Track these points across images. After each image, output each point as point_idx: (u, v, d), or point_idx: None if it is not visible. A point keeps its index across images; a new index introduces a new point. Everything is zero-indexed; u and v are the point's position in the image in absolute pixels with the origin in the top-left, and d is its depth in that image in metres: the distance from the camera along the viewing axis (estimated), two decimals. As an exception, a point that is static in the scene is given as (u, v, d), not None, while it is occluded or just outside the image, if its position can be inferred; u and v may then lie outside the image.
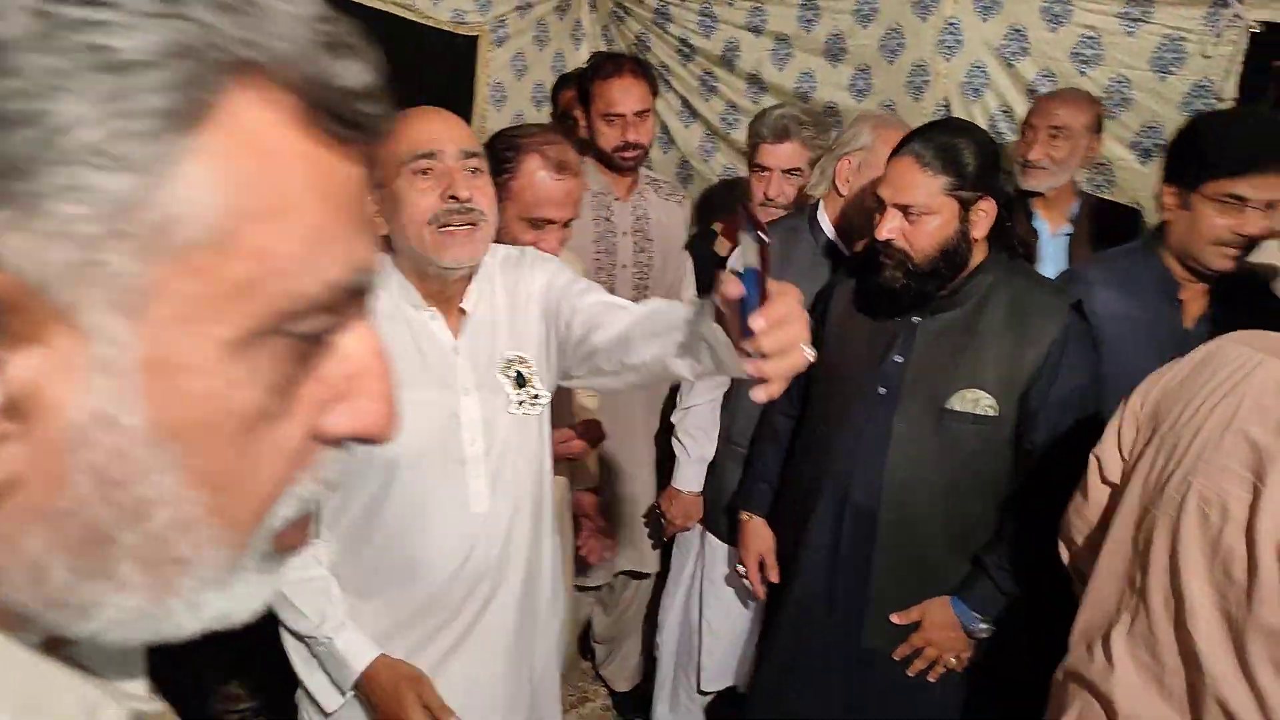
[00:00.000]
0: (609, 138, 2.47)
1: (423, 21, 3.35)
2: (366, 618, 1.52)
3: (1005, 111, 3.02)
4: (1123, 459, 1.39)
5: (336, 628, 1.48)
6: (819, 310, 2.02)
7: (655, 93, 2.55)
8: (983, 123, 3.07)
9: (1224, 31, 2.58)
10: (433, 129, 1.40)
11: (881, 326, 1.87)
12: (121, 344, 0.35)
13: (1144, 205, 2.76)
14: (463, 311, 1.50)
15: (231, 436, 0.38)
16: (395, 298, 1.48)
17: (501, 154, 1.86)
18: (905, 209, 1.74)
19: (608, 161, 2.51)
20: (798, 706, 1.95)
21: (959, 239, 1.76)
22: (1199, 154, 1.80)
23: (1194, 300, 1.88)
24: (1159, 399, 1.33)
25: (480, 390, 1.50)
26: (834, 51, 3.31)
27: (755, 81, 3.51)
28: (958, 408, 1.76)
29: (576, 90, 2.62)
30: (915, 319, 1.83)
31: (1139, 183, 2.79)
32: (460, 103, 3.53)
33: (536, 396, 1.56)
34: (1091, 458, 1.45)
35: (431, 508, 1.48)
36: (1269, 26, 2.53)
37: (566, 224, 1.96)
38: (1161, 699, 1.20)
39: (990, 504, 1.82)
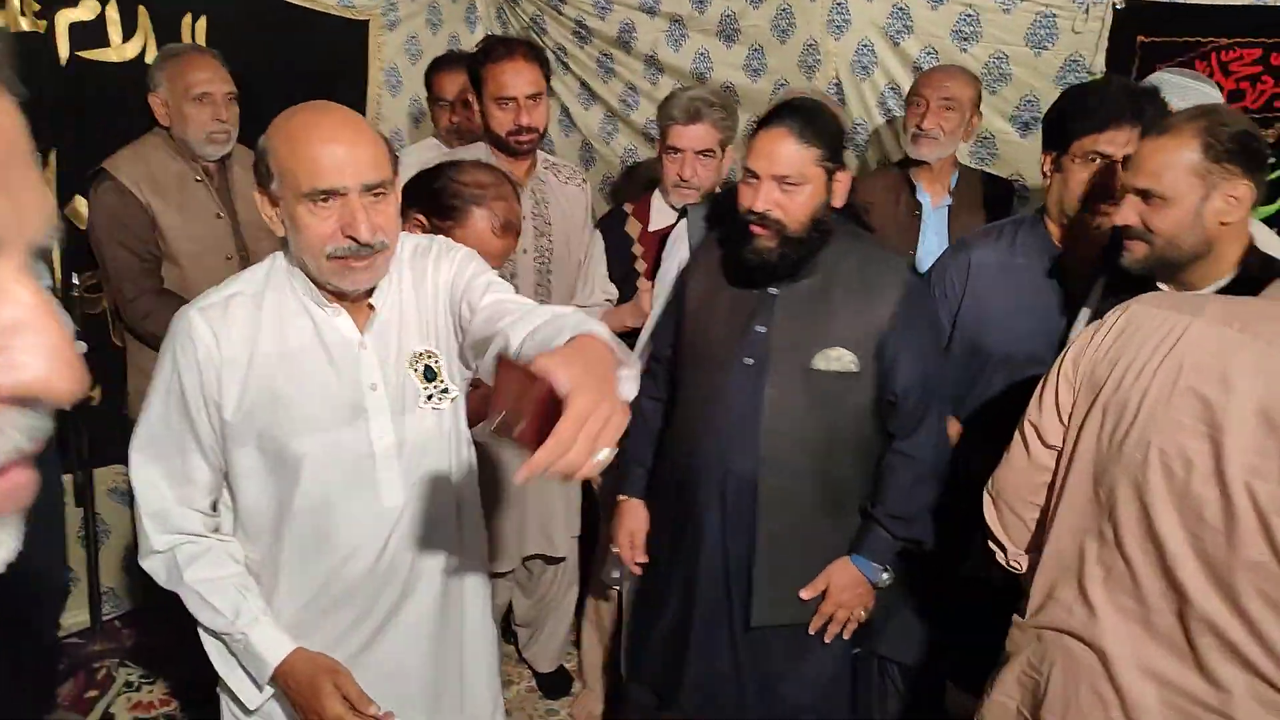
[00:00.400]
0: (501, 122, 2.43)
1: (311, 6, 3.27)
2: (284, 612, 1.52)
3: (893, 88, 3.12)
4: (1062, 424, 1.48)
5: (250, 623, 1.47)
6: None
7: (549, 75, 2.53)
8: (872, 99, 3.17)
9: (1091, 9, 2.71)
10: (336, 161, 1.34)
11: (741, 299, 1.93)
12: None
13: (1024, 176, 2.89)
14: (371, 308, 1.49)
15: None
16: (299, 294, 1.47)
17: (449, 202, 1.83)
18: (781, 179, 1.79)
19: (502, 146, 2.47)
20: (683, 685, 2.00)
21: (824, 208, 1.84)
22: (1065, 119, 1.94)
23: (1075, 265, 1.98)
24: (1092, 365, 1.43)
25: (388, 385, 1.49)
26: (728, 32, 3.35)
27: (652, 63, 3.53)
28: (822, 367, 1.85)
29: (467, 74, 2.59)
30: (773, 290, 1.89)
31: (1019, 155, 2.92)
32: (353, 89, 3.46)
33: (445, 390, 1.55)
34: (1027, 424, 1.53)
35: (341, 502, 1.48)
36: (1131, 4, 2.67)
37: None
38: (1149, 637, 1.32)
39: (861, 460, 1.93)
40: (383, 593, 1.55)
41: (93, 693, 2.77)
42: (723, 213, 2.11)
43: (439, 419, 1.55)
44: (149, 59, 2.72)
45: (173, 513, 1.48)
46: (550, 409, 0.93)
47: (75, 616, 2.89)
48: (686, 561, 1.98)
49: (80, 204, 2.65)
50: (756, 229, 1.81)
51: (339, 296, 1.46)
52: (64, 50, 2.64)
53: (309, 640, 1.50)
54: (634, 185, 3.44)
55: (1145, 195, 1.63)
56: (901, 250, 2.59)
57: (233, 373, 1.42)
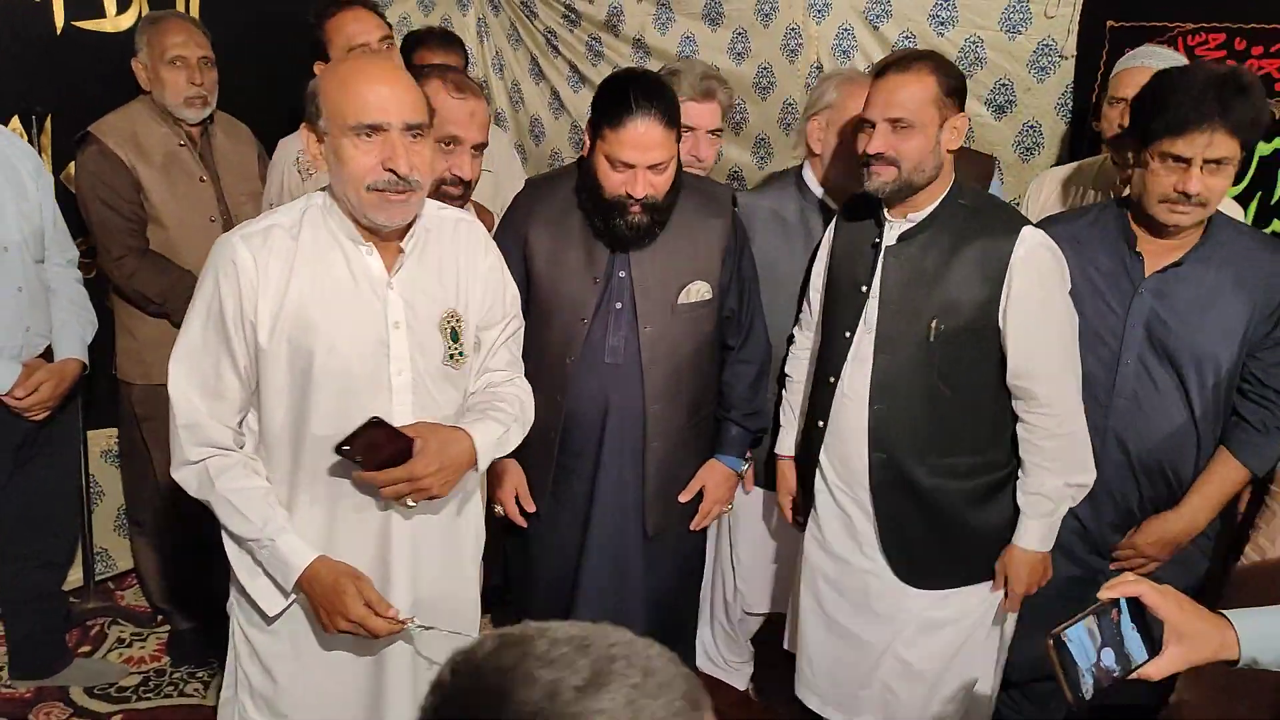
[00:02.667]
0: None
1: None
2: (309, 529, 1.62)
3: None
4: None
5: (278, 530, 1.56)
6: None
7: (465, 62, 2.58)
8: (853, 83, 3.23)
9: (1063, -7, 2.78)
10: (382, 100, 1.48)
11: (597, 250, 2.07)
12: None
13: (999, 158, 2.96)
14: (400, 251, 1.60)
15: None
16: (334, 229, 1.57)
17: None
18: (895, 122, 1.87)
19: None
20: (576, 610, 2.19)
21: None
22: (1147, 113, 1.91)
23: (1154, 254, 1.98)
24: None
25: (411, 329, 1.61)
26: (712, 16, 3.42)
27: (640, 46, 3.60)
28: (686, 300, 2.11)
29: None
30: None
31: (993, 136, 2.98)
32: (346, 68, 3.52)
33: (463, 354, 1.68)
34: None
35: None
36: (1101, -12, 2.74)
37: (477, 149, 2.05)
38: None
39: (715, 368, 2.24)
40: (390, 520, 1.65)
41: (86, 648, 2.84)
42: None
43: (452, 377, 1.68)
44: (143, 30, 2.78)
45: (206, 425, 1.56)
46: (396, 453, 1.55)
47: (70, 575, 2.97)
48: (574, 496, 2.16)
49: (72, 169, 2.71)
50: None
51: (372, 235, 1.57)
52: (60, 19, 2.71)
53: (326, 548, 1.61)
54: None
55: (896, 124, 1.83)
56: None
57: (269, 297, 1.53)
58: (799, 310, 2.35)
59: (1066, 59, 2.82)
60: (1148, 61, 2.31)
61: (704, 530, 2.35)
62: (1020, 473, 1.99)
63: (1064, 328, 1.92)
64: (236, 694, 1.75)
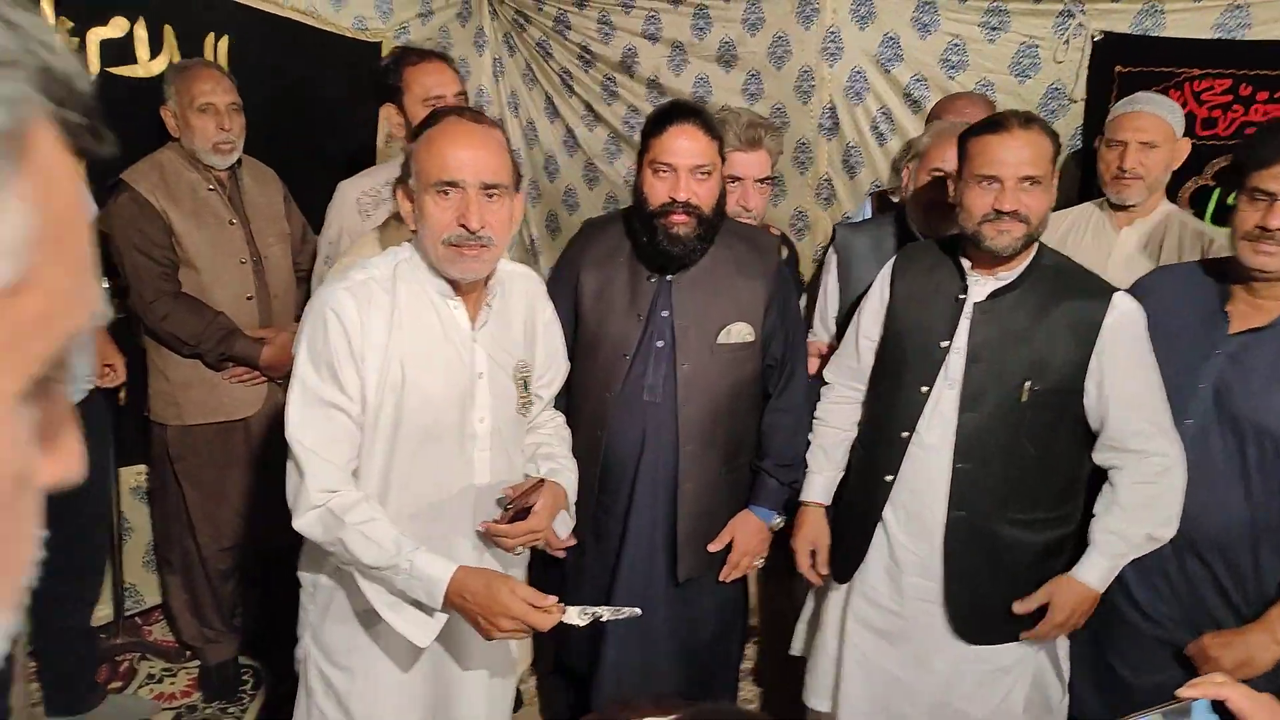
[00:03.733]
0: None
1: (325, 28, 3.41)
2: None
3: (884, 113, 3.27)
4: None
5: (413, 551, 1.58)
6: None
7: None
8: (865, 124, 3.31)
9: (1071, 40, 2.87)
10: (460, 159, 1.57)
11: (640, 289, 2.13)
12: None
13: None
14: (488, 306, 1.71)
15: (9, 502, 0.35)
16: (424, 285, 1.66)
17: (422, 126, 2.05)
18: (1028, 178, 1.86)
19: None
20: (603, 660, 2.22)
21: None
22: (1245, 154, 1.91)
23: (1241, 315, 1.91)
24: None
25: (492, 379, 1.70)
26: (726, 58, 3.50)
27: (654, 86, 3.68)
28: (725, 341, 2.11)
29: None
30: (669, 277, 2.10)
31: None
32: (365, 108, 3.60)
33: (531, 403, 1.80)
34: None
35: (443, 475, 1.67)
36: (1109, 36, 2.82)
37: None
38: None
39: (755, 417, 2.22)
40: (468, 560, 1.70)
41: (117, 684, 2.87)
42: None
43: (520, 425, 1.79)
44: (175, 76, 2.85)
45: (327, 471, 1.60)
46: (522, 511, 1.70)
47: (99, 611, 3.00)
48: (608, 535, 2.18)
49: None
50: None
51: (459, 291, 1.66)
52: (94, 66, 2.77)
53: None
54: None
55: (1028, 180, 1.84)
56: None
57: (374, 350, 1.61)
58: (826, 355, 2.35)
59: (1075, 102, 2.90)
60: (1145, 108, 2.38)
61: (743, 583, 2.33)
62: (1098, 512, 1.97)
63: (1158, 382, 1.92)
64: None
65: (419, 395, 1.63)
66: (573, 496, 1.86)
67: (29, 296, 0.33)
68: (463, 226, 1.57)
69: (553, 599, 1.59)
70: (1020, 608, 1.99)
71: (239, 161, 2.76)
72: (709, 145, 2.02)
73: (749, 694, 2.90)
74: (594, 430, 2.15)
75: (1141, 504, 1.90)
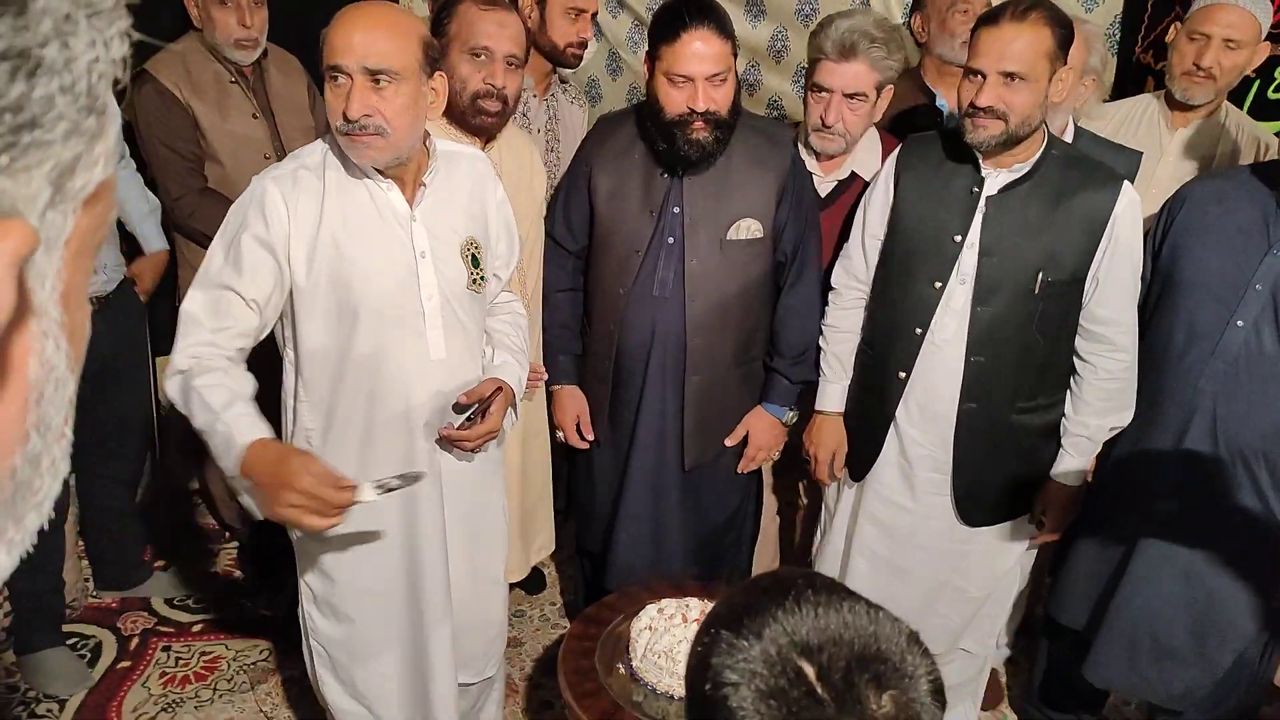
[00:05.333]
0: (566, 33, 2.54)
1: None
2: (335, 449, 1.73)
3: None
4: None
5: (235, 416, 1.53)
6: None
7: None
8: (896, 8, 3.20)
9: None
10: (348, 39, 1.55)
11: (653, 187, 2.14)
12: (51, 286, 0.36)
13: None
14: (423, 185, 1.72)
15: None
16: (354, 167, 1.66)
17: (439, 14, 2.10)
18: (1010, 75, 1.85)
19: (551, 56, 2.59)
20: (617, 538, 2.33)
21: None
22: None
23: None
24: None
25: (436, 256, 1.72)
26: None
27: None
28: (735, 237, 2.14)
29: None
30: (681, 174, 2.12)
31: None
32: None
33: (484, 278, 1.81)
34: None
35: (395, 350, 1.71)
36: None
37: (512, 61, 2.09)
38: None
39: (765, 313, 2.27)
40: (425, 438, 1.77)
41: (160, 563, 3.02)
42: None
43: (475, 300, 1.81)
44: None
45: (198, 336, 1.63)
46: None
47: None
48: (623, 425, 2.26)
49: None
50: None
51: (390, 173, 1.67)
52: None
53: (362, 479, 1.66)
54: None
55: (1009, 77, 1.81)
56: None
57: (302, 234, 1.64)
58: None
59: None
60: (1240, 1, 2.25)
61: (756, 472, 2.43)
62: (1068, 413, 2.06)
63: (1139, 276, 2.00)
64: (302, 605, 1.91)
65: (358, 273, 1.66)
66: (519, 391, 1.89)
67: (104, 197, 0.37)
68: (342, 117, 1.57)
69: (344, 478, 1.48)
70: (1030, 520, 2.15)
71: (264, 53, 2.73)
72: (723, 48, 1.99)
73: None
74: (607, 325, 2.21)
75: (1108, 398, 2.01)
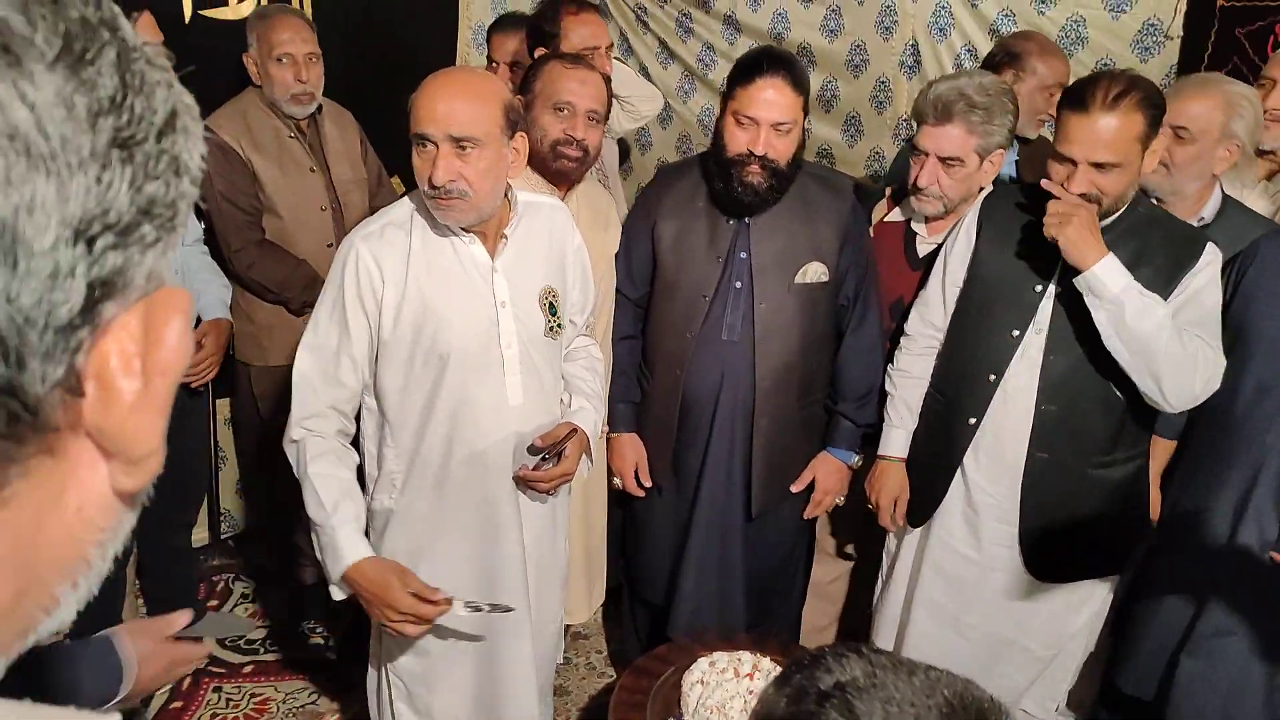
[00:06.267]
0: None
1: (404, -32, 3.43)
2: (415, 494, 1.81)
3: (969, 50, 3.16)
4: None
5: (342, 521, 1.71)
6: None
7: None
8: (948, 61, 3.21)
9: (1171, -28, 2.73)
10: (433, 108, 1.63)
11: (719, 232, 2.16)
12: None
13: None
14: (505, 238, 1.80)
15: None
16: (440, 224, 1.74)
17: (528, 73, 2.21)
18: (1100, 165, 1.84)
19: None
20: (681, 589, 2.33)
21: None
22: None
23: None
24: None
25: (514, 305, 1.80)
26: (806, -8, 3.42)
27: (730, 22, 3.61)
28: (802, 280, 2.18)
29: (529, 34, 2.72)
30: (747, 220, 2.16)
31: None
32: (443, 47, 3.62)
33: (561, 326, 1.89)
34: None
35: (476, 397, 1.78)
36: (1213, -33, 2.68)
37: (594, 118, 2.19)
38: None
39: (827, 352, 2.29)
40: (501, 481, 1.83)
41: (214, 602, 3.06)
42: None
43: (552, 347, 1.88)
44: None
45: (317, 410, 1.76)
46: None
47: (196, 534, 3.18)
48: (688, 471, 2.27)
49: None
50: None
51: (473, 227, 1.75)
52: (188, 9, 2.84)
53: (436, 523, 1.81)
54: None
55: (1100, 166, 1.80)
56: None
57: (392, 290, 1.72)
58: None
59: (1172, 39, 2.76)
60: None
61: (810, 519, 2.43)
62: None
63: (1218, 321, 1.94)
64: (378, 639, 1.97)
65: (443, 323, 1.74)
66: (594, 436, 1.96)
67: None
68: (428, 182, 1.65)
69: (440, 593, 1.69)
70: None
71: (319, 108, 2.81)
72: (794, 101, 2.04)
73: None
74: (674, 370, 2.22)
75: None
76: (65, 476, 0.38)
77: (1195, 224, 2.12)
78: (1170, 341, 1.84)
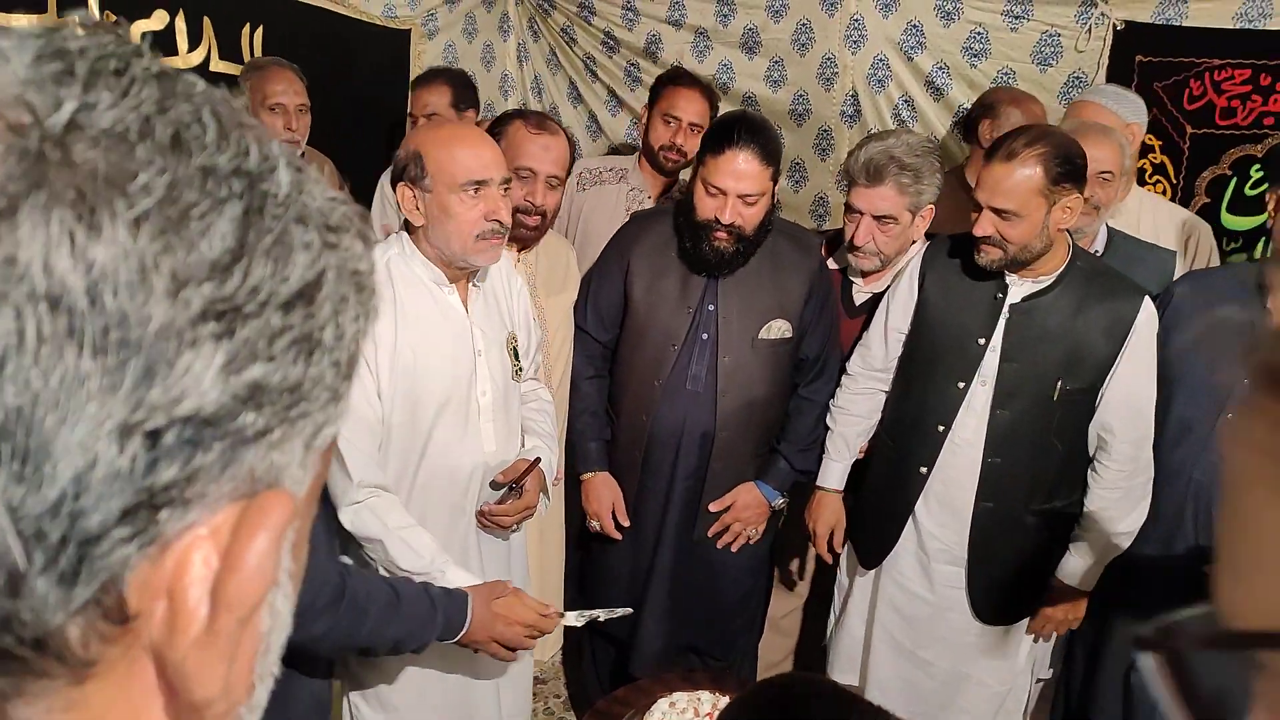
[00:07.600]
0: (661, 136, 2.75)
1: (355, 16, 3.47)
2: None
3: (907, 101, 3.31)
4: None
5: (446, 563, 1.71)
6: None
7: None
8: (887, 111, 3.35)
9: (1093, 29, 2.90)
10: (484, 160, 1.71)
11: (690, 284, 2.21)
12: (289, 541, 0.35)
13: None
14: (475, 287, 1.84)
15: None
16: (420, 275, 1.76)
17: (491, 129, 2.19)
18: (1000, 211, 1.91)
19: (653, 160, 2.79)
20: (642, 627, 2.34)
21: None
22: None
23: None
24: None
25: (488, 355, 1.83)
26: (749, 45, 3.54)
27: (677, 72, 3.73)
28: (766, 336, 2.21)
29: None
30: (717, 276, 2.20)
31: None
32: (394, 94, 3.66)
33: (521, 370, 1.93)
34: None
35: (458, 447, 1.79)
36: (1131, 25, 2.86)
37: (552, 181, 2.21)
38: None
39: (784, 408, 2.33)
40: (471, 526, 1.85)
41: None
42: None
43: (515, 390, 1.92)
44: (212, 67, 2.94)
45: (366, 466, 1.70)
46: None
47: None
48: (649, 514, 2.30)
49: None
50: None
51: (452, 278, 1.78)
52: (138, 59, 2.85)
53: None
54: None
55: (1000, 213, 1.87)
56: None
57: (384, 344, 1.71)
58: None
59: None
60: (1102, 100, 2.44)
61: (761, 548, 2.42)
62: (1082, 519, 2.08)
63: (1153, 389, 2.00)
64: (348, 697, 1.90)
65: (429, 377, 1.75)
66: (551, 475, 1.98)
67: (335, 443, 0.40)
68: (496, 221, 1.71)
69: (552, 608, 1.75)
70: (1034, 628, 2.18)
71: (302, 155, 2.83)
72: (762, 172, 2.08)
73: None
74: (640, 416, 2.26)
75: (1107, 508, 2.03)
76: (110, 709, 0.31)
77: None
78: (1136, 519, 2.02)
